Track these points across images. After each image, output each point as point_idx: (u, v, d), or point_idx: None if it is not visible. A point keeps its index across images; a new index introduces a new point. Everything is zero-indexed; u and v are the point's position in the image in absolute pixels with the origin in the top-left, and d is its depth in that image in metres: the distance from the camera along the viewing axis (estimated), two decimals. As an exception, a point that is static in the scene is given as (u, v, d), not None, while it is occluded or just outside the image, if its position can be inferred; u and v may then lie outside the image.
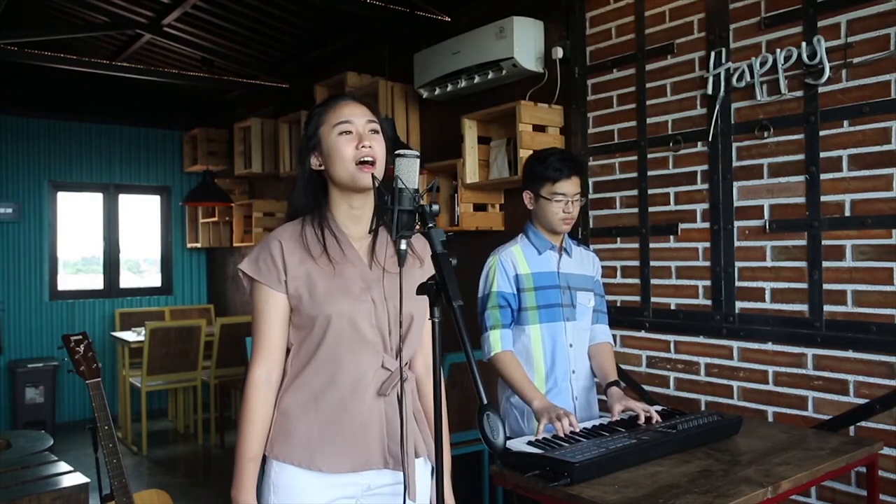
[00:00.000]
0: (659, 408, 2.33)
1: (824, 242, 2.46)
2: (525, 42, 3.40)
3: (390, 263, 1.58)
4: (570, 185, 2.28)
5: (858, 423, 2.37)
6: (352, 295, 1.52)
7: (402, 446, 1.51)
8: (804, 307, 2.52)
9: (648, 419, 2.11)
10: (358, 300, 1.52)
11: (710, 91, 2.75)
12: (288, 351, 1.58)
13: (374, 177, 1.50)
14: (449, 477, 1.65)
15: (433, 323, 1.29)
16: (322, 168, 1.58)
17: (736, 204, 2.71)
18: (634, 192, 3.06)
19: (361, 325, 1.52)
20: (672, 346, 2.92)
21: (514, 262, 2.29)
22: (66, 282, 6.61)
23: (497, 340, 2.24)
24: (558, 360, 2.29)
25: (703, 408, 2.79)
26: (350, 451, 1.51)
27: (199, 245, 6.79)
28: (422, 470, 1.61)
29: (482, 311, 2.29)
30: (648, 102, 3.00)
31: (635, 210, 3.06)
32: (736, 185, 2.71)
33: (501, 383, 2.35)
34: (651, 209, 3.00)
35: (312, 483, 1.50)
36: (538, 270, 2.31)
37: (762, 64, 2.59)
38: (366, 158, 1.52)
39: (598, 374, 2.40)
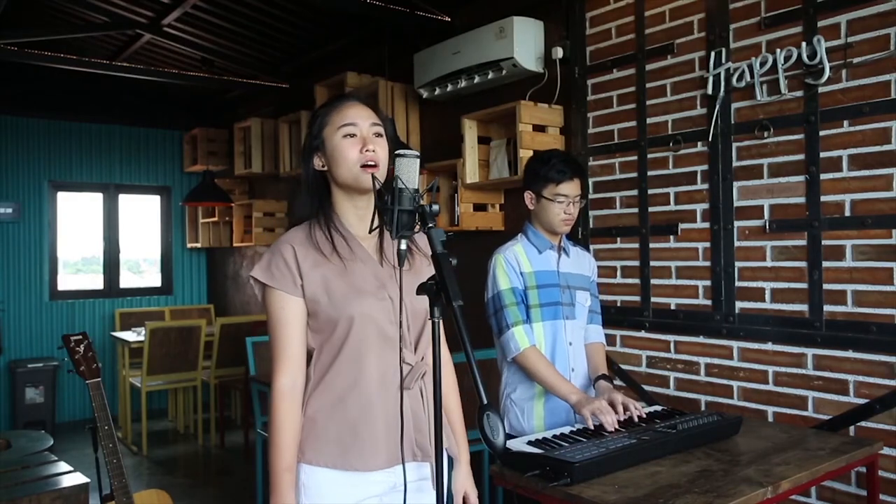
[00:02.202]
0: (659, 408, 2.33)
1: (824, 242, 2.46)
2: (525, 42, 3.40)
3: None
4: (571, 187, 2.30)
5: (858, 423, 2.37)
6: (369, 293, 1.53)
7: (403, 440, 1.51)
8: (804, 307, 2.52)
9: (640, 418, 2.13)
10: (376, 298, 1.53)
11: (710, 91, 2.75)
12: (308, 355, 1.58)
13: (374, 177, 1.51)
14: (469, 467, 1.72)
15: (433, 323, 1.29)
16: (325, 169, 1.59)
17: (736, 204, 2.71)
18: (634, 192, 3.06)
19: (382, 322, 1.53)
20: (672, 346, 2.92)
21: (518, 259, 2.31)
22: (66, 282, 6.61)
23: (522, 336, 2.24)
24: (558, 359, 2.30)
25: (703, 408, 2.79)
26: (382, 447, 1.53)
27: (199, 245, 6.79)
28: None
29: (499, 309, 2.28)
30: (648, 102, 3.00)
31: (635, 210, 3.06)
32: (736, 185, 2.71)
33: (505, 381, 2.36)
34: (651, 209, 3.00)
35: (342, 482, 1.51)
36: (540, 269, 2.32)
37: (762, 64, 2.59)
38: (369, 163, 1.53)
39: (589, 372, 2.41)
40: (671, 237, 2.93)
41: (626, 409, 2.13)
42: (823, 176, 2.46)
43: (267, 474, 1.55)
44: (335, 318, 1.51)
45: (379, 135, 1.58)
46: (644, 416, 2.14)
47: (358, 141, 1.54)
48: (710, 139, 2.77)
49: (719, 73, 2.72)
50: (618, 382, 3.09)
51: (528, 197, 2.36)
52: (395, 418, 1.53)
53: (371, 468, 1.52)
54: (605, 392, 2.23)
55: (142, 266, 7.31)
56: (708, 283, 2.80)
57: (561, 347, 2.31)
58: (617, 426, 2.06)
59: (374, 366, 1.53)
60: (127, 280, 6.96)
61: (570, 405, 2.18)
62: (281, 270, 1.53)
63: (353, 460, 1.51)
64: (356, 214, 1.60)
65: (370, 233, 1.60)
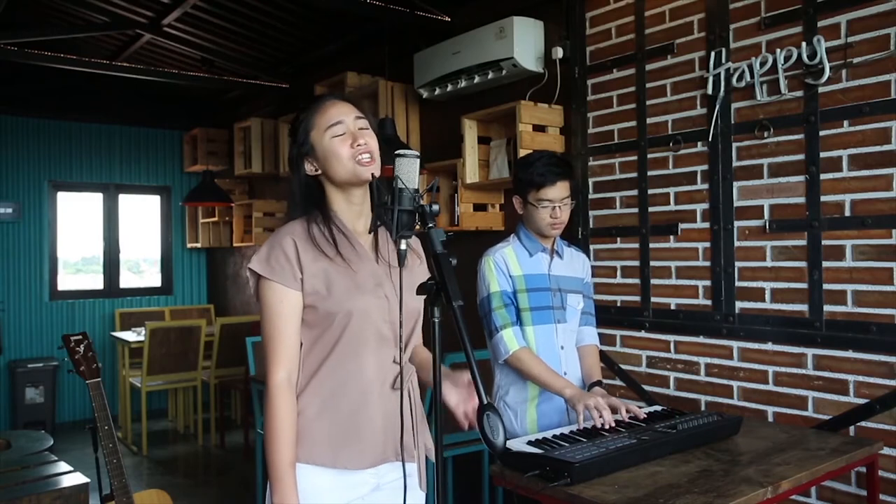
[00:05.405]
0: (659, 408, 2.33)
1: (824, 242, 2.46)
2: (525, 42, 3.40)
3: (395, 260, 1.59)
4: (556, 191, 2.23)
5: (858, 423, 2.37)
6: (368, 291, 1.53)
7: (402, 437, 1.53)
8: (804, 307, 2.52)
9: (636, 418, 2.12)
10: (374, 296, 1.54)
11: (710, 91, 2.75)
12: None
13: (373, 175, 1.52)
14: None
15: (433, 323, 1.29)
16: (318, 173, 1.58)
17: (736, 204, 2.71)
18: (634, 192, 3.06)
19: (378, 321, 1.53)
20: (672, 346, 2.92)
21: (507, 262, 2.29)
22: (66, 282, 6.61)
23: (512, 338, 2.22)
24: (550, 363, 2.28)
25: (703, 408, 2.79)
26: (370, 446, 1.53)
27: (199, 245, 6.79)
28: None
29: (488, 313, 2.27)
30: (648, 102, 3.00)
31: (635, 210, 3.06)
32: (736, 185, 2.71)
33: (497, 384, 2.35)
34: (651, 209, 3.00)
35: (330, 482, 1.51)
36: (529, 272, 2.30)
37: (762, 64, 2.59)
38: (364, 157, 1.53)
39: (582, 375, 2.40)
40: (671, 237, 2.93)
41: (620, 411, 2.11)
42: (823, 176, 2.46)
43: (266, 474, 1.55)
44: (334, 313, 1.51)
45: (364, 128, 1.58)
46: (643, 416, 2.14)
47: (347, 137, 1.54)
48: (710, 139, 2.77)
49: (719, 73, 2.72)
50: (618, 382, 3.10)
51: (517, 202, 2.34)
52: (384, 418, 1.53)
53: (359, 467, 1.52)
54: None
55: (142, 266, 7.30)
56: (708, 283, 2.80)
57: (553, 352, 2.30)
58: (614, 425, 2.05)
59: (368, 364, 1.53)
60: (127, 280, 6.96)
61: (564, 399, 2.17)
62: (280, 263, 1.51)
63: (343, 459, 1.50)
64: (352, 210, 1.60)
65: (369, 233, 1.61)
